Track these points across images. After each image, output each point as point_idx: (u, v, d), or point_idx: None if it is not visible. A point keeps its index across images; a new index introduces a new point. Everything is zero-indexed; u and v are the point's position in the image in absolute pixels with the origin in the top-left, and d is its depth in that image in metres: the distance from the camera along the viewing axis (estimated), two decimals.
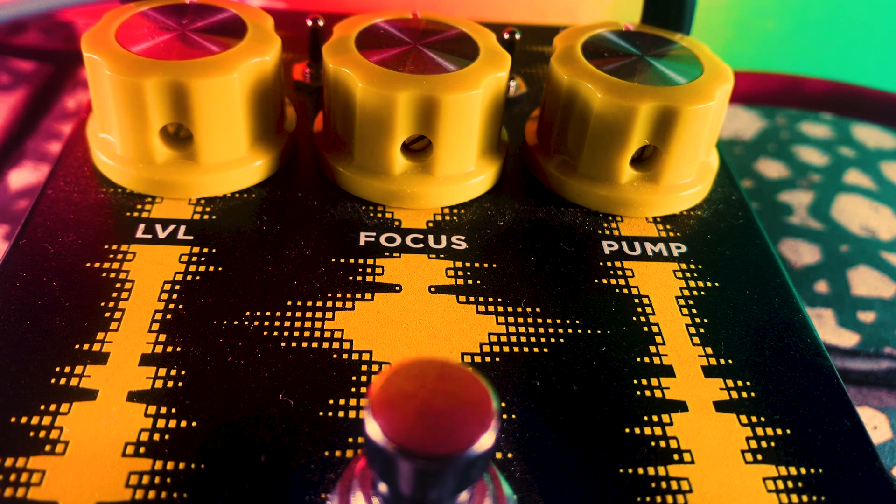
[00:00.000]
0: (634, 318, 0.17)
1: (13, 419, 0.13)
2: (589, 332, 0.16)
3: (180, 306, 0.16)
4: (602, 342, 0.16)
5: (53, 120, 0.31)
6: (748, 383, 0.15)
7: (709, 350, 0.16)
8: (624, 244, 0.19)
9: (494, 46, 0.19)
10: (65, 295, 0.16)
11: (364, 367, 0.15)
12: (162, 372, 0.15)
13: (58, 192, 0.18)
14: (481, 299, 0.17)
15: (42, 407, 0.14)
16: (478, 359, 0.15)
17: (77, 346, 0.15)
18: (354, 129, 0.18)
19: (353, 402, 0.14)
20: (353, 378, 0.15)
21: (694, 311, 0.17)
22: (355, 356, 0.15)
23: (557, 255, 0.18)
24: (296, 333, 0.15)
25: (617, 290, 0.17)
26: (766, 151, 0.32)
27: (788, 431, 0.15)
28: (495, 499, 0.12)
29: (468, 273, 0.17)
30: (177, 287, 0.16)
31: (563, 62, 0.19)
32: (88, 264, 0.17)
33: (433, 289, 0.17)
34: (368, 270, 0.17)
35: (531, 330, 0.16)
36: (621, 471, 0.14)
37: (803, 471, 0.14)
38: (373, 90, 0.17)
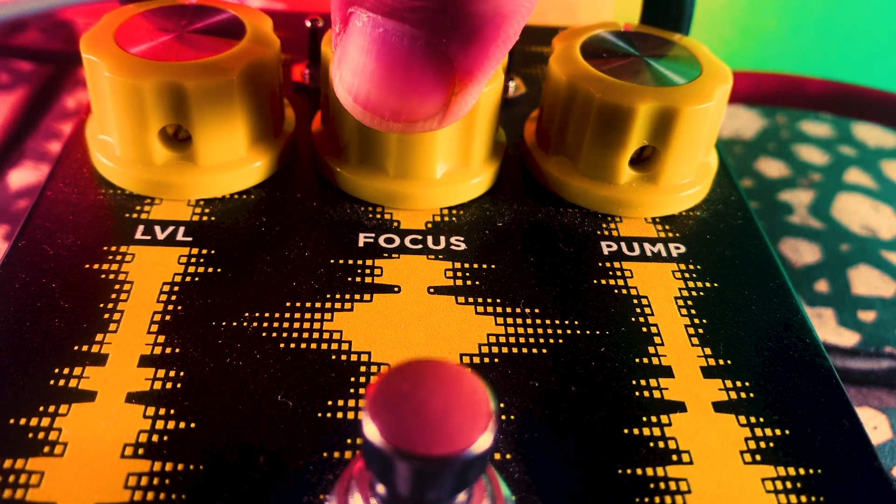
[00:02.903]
0: (633, 319, 0.17)
1: (12, 420, 0.13)
2: (588, 332, 0.16)
3: (179, 307, 0.16)
4: (601, 343, 0.16)
5: (53, 120, 0.31)
6: (747, 384, 0.15)
7: (708, 350, 0.16)
8: (623, 245, 0.19)
9: None
10: (64, 296, 0.16)
11: (363, 368, 0.15)
12: (161, 373, 0.15)
13: (57, 194, 0.18)
14: (480, 300, 0.17)
15: (41, 408, 0.14)
16: (476, 360, 0.15)
17: (76, 348, 0.15)
18: (353, 130, 0.18)
19: (351, 403, 0.14)
20: (352, 379, 0.15)
21: (693, 311, 0.17)
22: (354, 357, 0.15)
23: (556, 255, 0.18)
24: (294, 334, 0.16)
25: (616, 291, 0.17)
26: (766, 150, 0.32)
27: (787, 432, 0.15)
28: (493, 500, 0.12)
29: (467, 274, 0.17)
30: (175, 288, 0.16)
31: (562, 63, 0.19)
32: (87, 265, 0.17)
33: (432, 290, 0.17)
34: (367, 271, 0.17)
35: (530, 331, 0.16)
36: (620, 471, 0.14)
37: (802, 471, 0.14)
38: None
